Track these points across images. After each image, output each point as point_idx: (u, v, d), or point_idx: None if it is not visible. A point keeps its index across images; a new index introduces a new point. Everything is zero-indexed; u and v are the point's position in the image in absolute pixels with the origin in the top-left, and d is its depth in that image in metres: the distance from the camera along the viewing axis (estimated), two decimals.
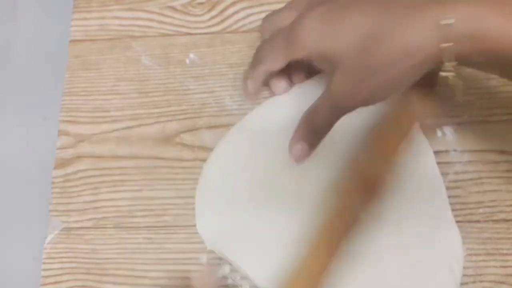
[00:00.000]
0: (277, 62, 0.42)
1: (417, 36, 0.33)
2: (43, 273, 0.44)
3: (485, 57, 0.32)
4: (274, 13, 0.45)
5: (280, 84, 0.45)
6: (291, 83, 0.45)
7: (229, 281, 0.42)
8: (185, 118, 0.47)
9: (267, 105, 0.46)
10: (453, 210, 0.42)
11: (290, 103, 0.44)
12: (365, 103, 0.37)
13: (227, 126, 0.46)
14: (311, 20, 0.38)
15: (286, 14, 0.42)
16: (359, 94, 0.36)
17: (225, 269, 0.42)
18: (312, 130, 0.40)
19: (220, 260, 0.42)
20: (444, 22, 0.31)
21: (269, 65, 0.42)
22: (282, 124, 0.43)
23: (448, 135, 0.44)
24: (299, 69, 0.44)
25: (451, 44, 0.32)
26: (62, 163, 0.47)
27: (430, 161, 0.42)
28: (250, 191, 0.43)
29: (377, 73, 0.35)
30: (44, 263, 0.44)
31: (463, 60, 0.33)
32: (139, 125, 0.47)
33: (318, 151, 0.41)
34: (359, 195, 0.39)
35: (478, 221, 0.42)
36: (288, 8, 0.44)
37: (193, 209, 0.44)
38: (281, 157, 0.42)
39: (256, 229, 0.42)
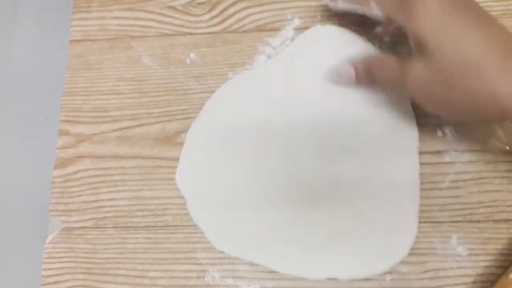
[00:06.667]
0: (380, 7, 0.40)
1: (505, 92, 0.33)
2: (43, 272, 0.44)
3: None
4: None
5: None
6: None
7: (229, 281, 0.42)
8: (185, 118, 0.47)
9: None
10: (453, 210, 0.42)
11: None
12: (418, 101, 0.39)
13: None
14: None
15: None
16: (423, 95, 0.37)
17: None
18: (366, 74, 0.42)
19: (219, 259, 0.42)
20: None
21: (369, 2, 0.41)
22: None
23: (448, 135, 0.44)
24: None
25: None
26: (62, 163, 0.47)
27: (413, 162, 0.43)
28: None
29: (452, 97, 0.35)
30: (44, 262, 0.44)
31: None
32: (139, 125, 0.47)
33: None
34: None
35: (478, 221, 0.42)
36: None
37: None
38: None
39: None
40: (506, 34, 0.35)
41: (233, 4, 0.50)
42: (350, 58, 0.43)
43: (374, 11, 0.41)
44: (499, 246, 0.41)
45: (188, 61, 0.48)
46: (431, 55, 0.35)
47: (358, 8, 0.43)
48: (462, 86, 0.34)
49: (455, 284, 0.41)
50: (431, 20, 0.35)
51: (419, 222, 0.41)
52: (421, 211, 0.41)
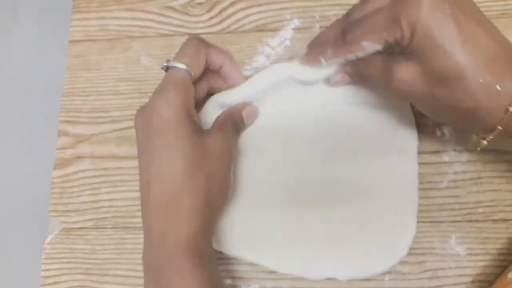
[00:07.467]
0: (375, 40, 0.36)
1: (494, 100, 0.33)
2: (43, 273, 0.44)
3: None
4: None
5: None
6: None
7: (228, 281, 0.42)
8: None
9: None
10: (452, 210, 0.42)
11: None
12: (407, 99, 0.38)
13: None
14: None
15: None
16: (407, 95, 0.36)
17: None
18: (355, 75, 0.41)
19: (218, 259, 0.42)
20: None
21: (362, 45, 0.37)
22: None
23: (447, 135, 0.44)
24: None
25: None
26: (61, 163, 0.47)
27: (411, 161, 0.43)
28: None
29: (435, 100, 0.35)
30: (43, 263, 0.44)
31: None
32: None
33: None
34: None
35: (477, 221, 0.42)
36: None
37: None
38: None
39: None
40: (496, 40, 0.34)
41: (232, 4, 0.50)
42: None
43: (370, 48, 0.37)
44: (498, 246, 0.41)
45: None
46: (418, 55, 0.34)
47: (351, 57, 0.39)
48: (444, 91, 0.34)
49: (454, 284, 0.41)
50: (425, 19, 0.33)
51: (418, 222, 0.41)
52: (420, 211, 0.41)
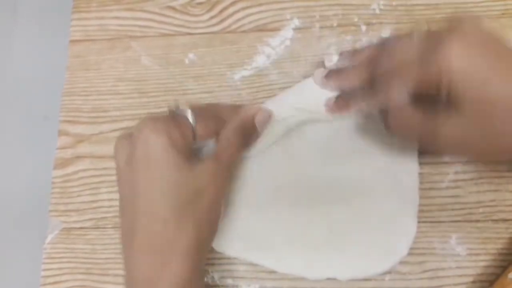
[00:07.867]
0: (404, 87, 0.35)
1: None
2: (43, 273, 0.44)
3: None
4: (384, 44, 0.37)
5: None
6: None
7: (228, 281, 0.42)
8: None
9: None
10: (452, 210, 0.42)
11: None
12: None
13: None
14: (462, 39, 0.32)
15: (405, 46, 0.35)
16: (457, 149, 0.36)
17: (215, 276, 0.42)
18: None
19: (218, 259, 0.42)
20: None
21: (390, 93, 0.36)
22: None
23: None
24: None
25: None
26: (62, 163, 0.47)
27: (412, 161, 0.43)
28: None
29: (487, 144, 0.34)
30: (44, 263, 0.44)
31: None
32: None
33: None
34: None
35: (477, 221, 0.42)
36: (404, 41, 0.36)
37: None
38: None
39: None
40: None
41: (232, 4, 0.50)
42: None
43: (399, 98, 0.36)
44: (498, 246, 0.41)
45: (187, 61, 0.48)
46: (465, 106, 0.33)
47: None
48: (494, 123, 0.33)
49: (454, 284, 0.41)
50: (459, 63, 0.32)
51: (418, 222, 0.41)
52: (420, 211, 0.41)
